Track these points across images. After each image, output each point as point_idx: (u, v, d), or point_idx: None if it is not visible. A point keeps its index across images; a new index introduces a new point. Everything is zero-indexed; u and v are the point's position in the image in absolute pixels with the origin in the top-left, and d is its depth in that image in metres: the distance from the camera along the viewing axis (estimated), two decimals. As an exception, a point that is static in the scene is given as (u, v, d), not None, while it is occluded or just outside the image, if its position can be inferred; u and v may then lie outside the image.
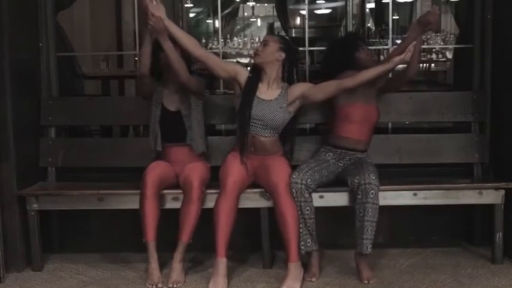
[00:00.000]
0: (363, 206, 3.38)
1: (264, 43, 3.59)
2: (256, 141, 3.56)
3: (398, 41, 10.40)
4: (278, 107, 3.54)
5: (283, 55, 3.56)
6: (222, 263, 3.35)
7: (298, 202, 3.40)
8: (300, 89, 3.57)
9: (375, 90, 3.67)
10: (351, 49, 3.74)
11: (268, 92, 3.57)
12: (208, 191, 3.57)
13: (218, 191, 3.48)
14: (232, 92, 3.73)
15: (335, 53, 3.81)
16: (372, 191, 3.38)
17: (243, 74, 3.59)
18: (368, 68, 3.53)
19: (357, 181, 3.41)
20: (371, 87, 3.61)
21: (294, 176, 3.44)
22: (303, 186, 3.41)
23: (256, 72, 3.60)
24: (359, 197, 3.40)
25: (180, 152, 3.65)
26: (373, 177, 3.40)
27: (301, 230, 3.40)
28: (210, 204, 3.49)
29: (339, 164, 3.64)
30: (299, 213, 3.39)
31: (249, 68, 3.70)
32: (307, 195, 3.42)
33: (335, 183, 3.63)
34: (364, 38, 3.95)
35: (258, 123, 3.54)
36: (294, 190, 3.40)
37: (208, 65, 3.56)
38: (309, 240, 3.44)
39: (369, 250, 3.39)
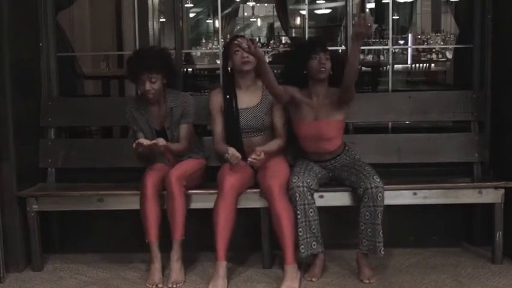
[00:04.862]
0: (371, 209, 3.35)
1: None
2: (251, 142, 3.60)
3: (401, 42, 10.38)
4: (263, 112, 3.61)
5: None
6: (222, 266, 3.35)
7: (302, 205, 3.37)
8: None
9: (335, 105, 3.51)
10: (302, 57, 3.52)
11: (248, 96, 3.62)
12: (205, 191, 3.59)
13: (214, 191, 3.48)
14: None
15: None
16: (380, 194, 3.34)
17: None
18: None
19: (363, 187, 3.36)
20: (327, 104, 3.52)
21: (294, 180, 3.40)
22: (305, 189, 3.38)
23: (231, 85, 3.58)
24: (365, 200, 3.36)
25: (174, 158, 3.64)
26: (378, 180, 3.37)
27: (301, 234, 3.38)
28: (207, 204, 3.48)
29: (325, 168, 3.63)
30: (299, 216, 3.37)
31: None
32: (309, 197, 3.40)
33: (336, 183, 3.63)
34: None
35: (249, 130, 3.62)
36: (297, 194, 3.36)
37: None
38: (314, 243, 3.42)
39: (383, 252, 3.37)
